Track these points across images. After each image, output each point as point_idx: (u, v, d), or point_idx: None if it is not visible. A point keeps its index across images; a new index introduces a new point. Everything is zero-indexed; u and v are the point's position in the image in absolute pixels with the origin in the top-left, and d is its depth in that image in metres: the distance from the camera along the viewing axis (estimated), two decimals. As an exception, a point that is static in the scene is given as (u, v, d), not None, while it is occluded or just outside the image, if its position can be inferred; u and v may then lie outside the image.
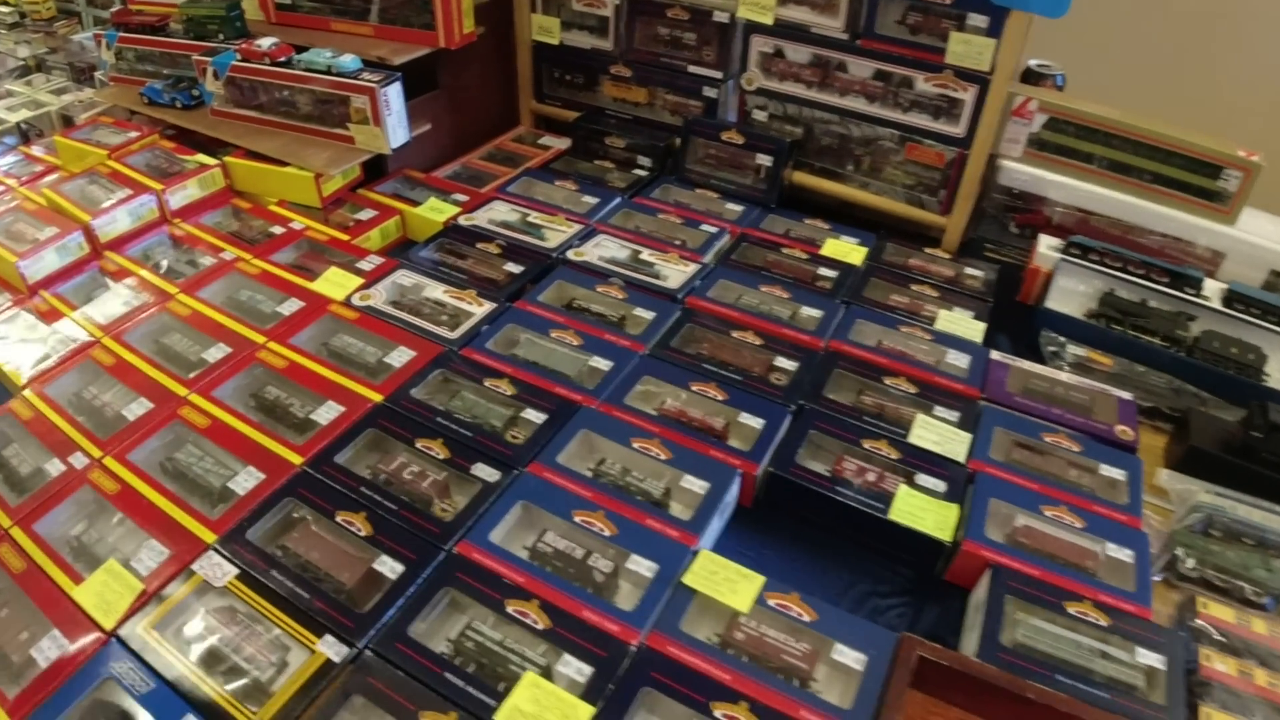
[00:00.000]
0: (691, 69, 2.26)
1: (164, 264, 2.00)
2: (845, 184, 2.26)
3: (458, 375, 1.67)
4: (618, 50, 2.40)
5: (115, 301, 1.88)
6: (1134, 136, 2.01)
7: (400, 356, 1.69)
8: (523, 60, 2.55)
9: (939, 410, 1.57)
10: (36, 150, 2.45)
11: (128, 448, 1.53)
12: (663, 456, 1.50)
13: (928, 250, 2.10)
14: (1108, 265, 1.97)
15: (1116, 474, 1.49)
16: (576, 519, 1.38)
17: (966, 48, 1.96)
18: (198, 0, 2.35)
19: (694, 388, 1.65)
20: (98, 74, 2.75)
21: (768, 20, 2.14)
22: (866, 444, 1.49)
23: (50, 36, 2.98)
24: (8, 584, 1.33)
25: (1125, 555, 1.36)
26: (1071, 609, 1.29)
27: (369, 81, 2.03)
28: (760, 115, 2.29)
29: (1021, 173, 2.13)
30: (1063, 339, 1.88)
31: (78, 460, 1.52)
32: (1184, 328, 1.85)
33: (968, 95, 2.02)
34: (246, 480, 1.45)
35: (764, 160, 2.22)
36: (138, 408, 1.61)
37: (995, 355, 1.71)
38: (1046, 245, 2.03)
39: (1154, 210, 2.03)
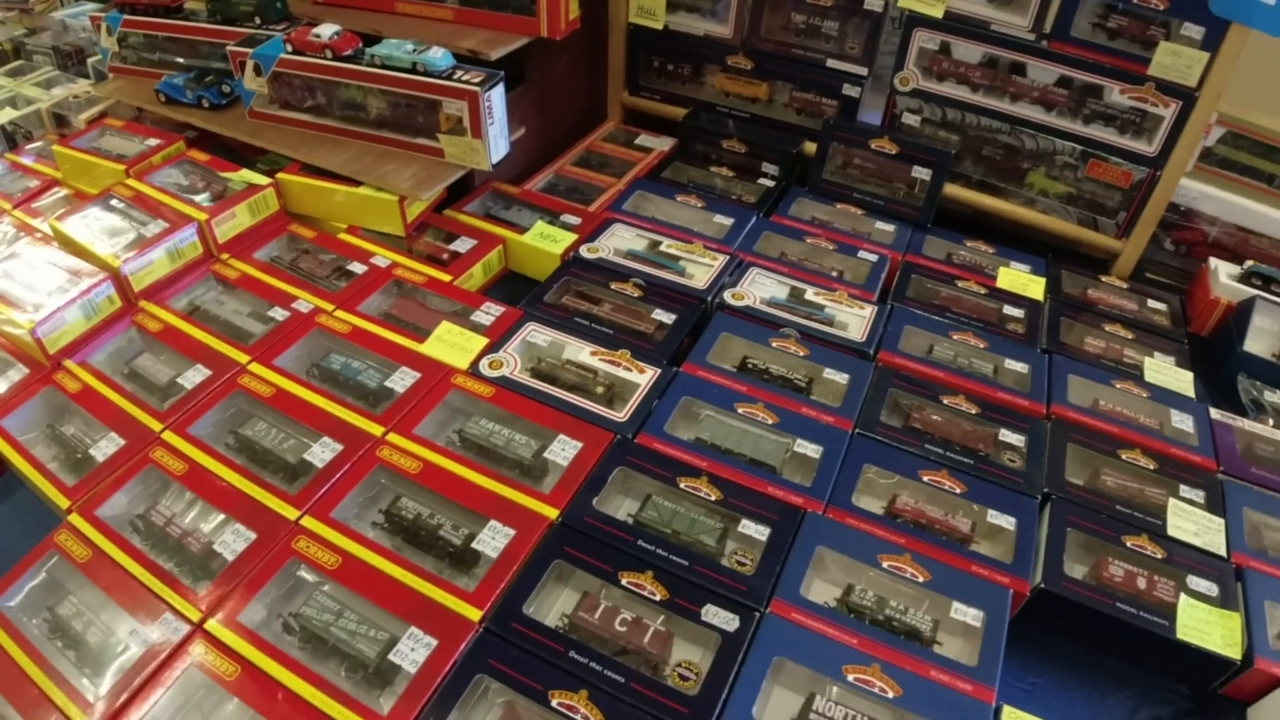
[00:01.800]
0: (830, 63, 1.90)
1: (218, 315, 1.58)
2: (1008, 200, 1.93)
3: (642, 474, 1.32)
4: (738, 38, 2.02)
5: (162, 372, 1.47)
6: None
7: (563, 450, 1.32)
8: (616, 46, 2.15)
9: (1184, 490, 1.39)
10: (26, 158, 1.98)
11: (238, 604, 1.15)
12: (920, 578, 1.23)
13: (1104, 279, 1.90)
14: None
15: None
16: (850, 676, 1.11)
17: (1175, 60, 1.69)
18: (227, -24, 1.89)
19: (925, 478, 1.36)
20: (91, 60, 2.25)
21: (937, 13, 1.79)
22: (1128, 541, 1.30)
23: (27, 15, 2.46)
24: None
25: None
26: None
27: (469, 84, 1.61)
28: (911, 119, 1.94)
29: (1190, 188, 1.89)
30: (1259, 384, 1.68)
31: (178, 627, 1.15)
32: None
33: (1168, 111, 1.74)
34: (412, 650, 1.07)
35: (921, 173, 1.87)
36: (234, 539, 1.23)
37: (1215, 414, 1.54)
38: (1226, 274, 1.83)
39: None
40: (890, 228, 1.92)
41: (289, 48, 1.75)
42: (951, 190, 1.93)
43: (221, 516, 1.27)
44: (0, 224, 1.80)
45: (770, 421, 1.40)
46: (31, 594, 1.21)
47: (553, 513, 1.25)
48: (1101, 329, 1.71)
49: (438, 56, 1.66)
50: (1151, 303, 1.83)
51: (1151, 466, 1.41)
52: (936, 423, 1.45)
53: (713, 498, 1.29)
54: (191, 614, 1.14)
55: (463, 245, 1.73)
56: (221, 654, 1.10)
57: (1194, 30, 1.65)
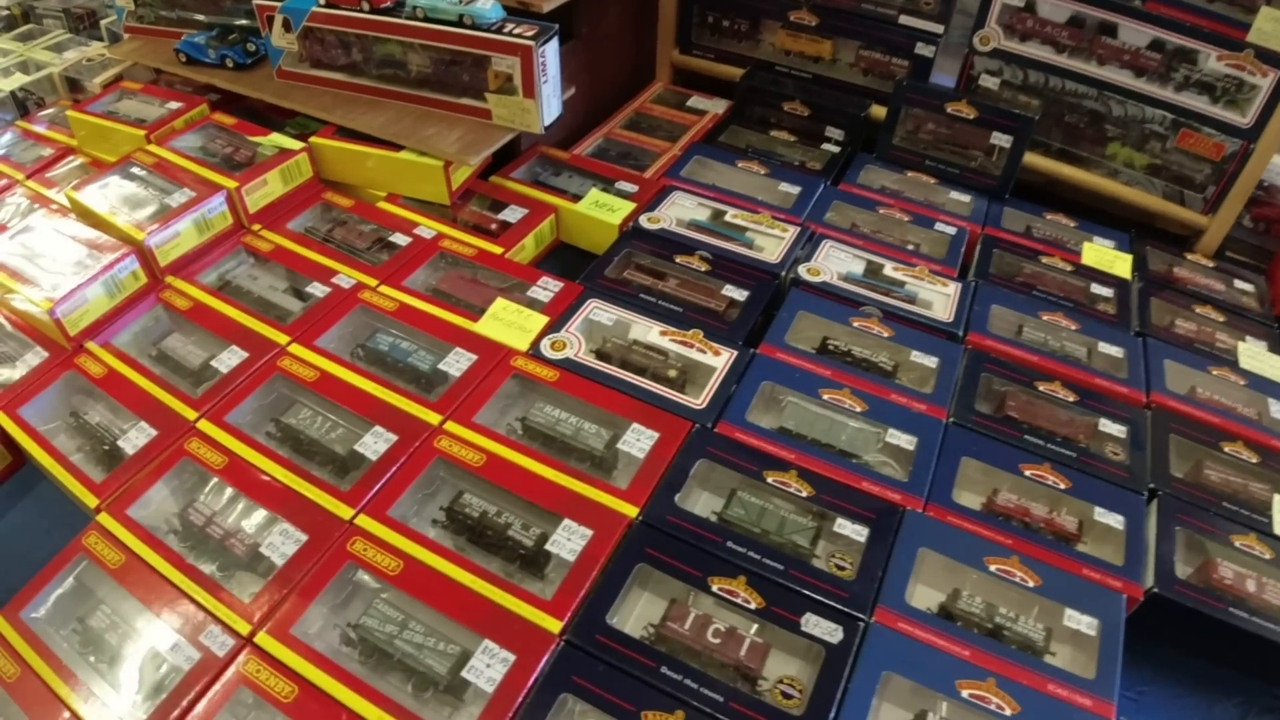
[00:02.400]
0: (903, 20, 1.76)
1: (252, 291, 1.45)
2: (1089, 170, 1.79)
3: (725, 466, 1.20)
4: (801, -8, 1.86)
5: (194, 354, 1.35)
6: None
7: (637, 440, 1.20)
8: (667, 1, 1.98)
9: None
10: (39, 125, 1.85)
11: (291, 614, 1.03)
12: (1030, 583, 1.12)
13: (1189, 257, 1.78)
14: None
15: None
16: (964, 692, 1.01)
17: (1277, 27, 1.56)
18: (251, -77, 1.74)
19: (1027, 472, 1.25)
20: (104, 22, 2.11)
21: (1025, -31, 1.63)
22: (1237, 541, 1.20)
23: None
24: None
25: None
26: None
27: (522, 38, 1.47)
28: (989, 82, 1.80)
29: (1273, 163, 1.74)
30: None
31: (225, 641, 1.03)
32: None
33: (1265, 81, 1.61)
34: (488, 666, 0.96)
35: (1000, 140, 1.73)
36: (282, 541, 1.11)
37: None
38: None
39: None
40: (965, 198, 1.79)
41: (321, 0, 1.60)
42: (1029, 159, 1.79)
43: (267, 515, 1.15)
44: (13, 196, 1.68)
45: (858, 409, 1.28)
46: (60, 604, 1.10)
47: (632, 510, 1.13)
48: (1191, 310, 1.61)
49: (487, 7, 1.52)
50: (1238, 283, 1.72)
51: (1254, 460, 1.31)
52: (1034, 411, 1.34)
53: (804, 493, 1.17)
54: (240, 626, 1.03)
55: (512, 214, 1.60)
56: (276, 671, 0.99)
57: (1300, -4, 1.50)
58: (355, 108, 1.65)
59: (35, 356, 1.38)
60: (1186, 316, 1.59)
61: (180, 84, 1.87)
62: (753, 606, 1.06)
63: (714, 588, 1.07)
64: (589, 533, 1.11)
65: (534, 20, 1.54)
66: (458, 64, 1.58)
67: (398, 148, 1.59)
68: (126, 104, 1.83)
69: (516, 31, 1.51)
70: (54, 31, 2.30)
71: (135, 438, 1.25)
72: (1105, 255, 1.69)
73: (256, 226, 1.56)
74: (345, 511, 1.14)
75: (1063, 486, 1.23)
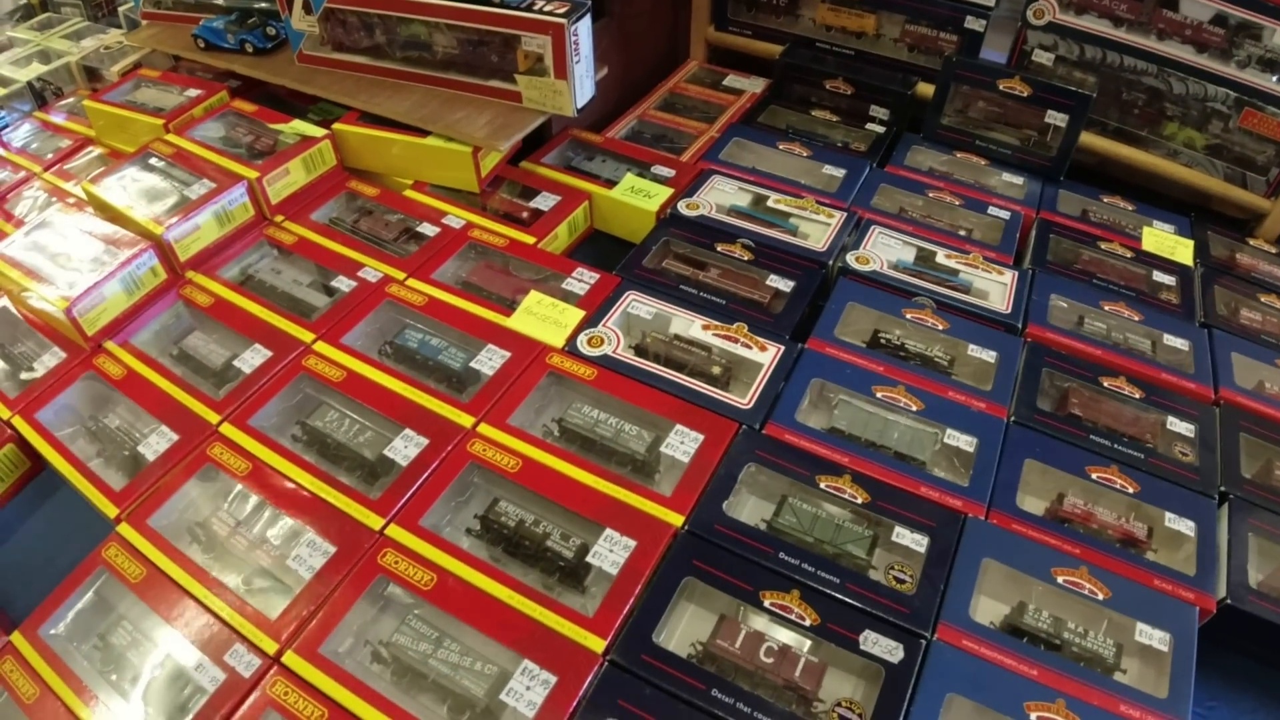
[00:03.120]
0: (952, -8, 1.65)
1: (275, 286, 1.39)
2: (1148, 150, 1.69)
3: (774, 470, 1.13)
4: (845, -36, 1.77)
5: (216, 353, 1.29)
6: None
7: (681, 443, 1.13)
8: (702, -25, 1.90)
9: None
10: (57, 116, 1.80)
11: (319, 632, 0.97)
12: (1099, 595, 1.05)
13: (1251, 242, 1.69)
14: None
15: None
16: (1033, 716, 0.95)
17: None
18: (267, -99, 1.67)
19: (1093, 475, 1.17)
20: (122, 9, 2.05)
21: (1084, -64, 1.54)
22: None
23: None
24: None
25: None
26: None
27: (553, 16, 1.40)
28: (1043, 58, 1.71)
29: None
30: None
31: (252, 661, 0.98)
32: None
33: (1333, 57, 1.48)
34: (527, 689, 0.89)
35: (1055, 118, 1.64)
36: (310, 553, 1.06)
37: None
38: None
39: None
40: (1018, 180, 1.70)
41: (343, -20, 1.53)
42: (1084, 138, 1.70)
43: (294, 525, 1.09)
44: (31, 189, 1.63)
45: (914, 408, 1.21)
46: (80, 619, 1.05)
47: (677, 519, 1.06)
48: (1256, 299, 1.53)
49: (515, -15, 1.44)
50: (1304, 269, 1.61)
51: (1325, 459, 1.21)
52: (1099, 409, 1.26)
53: (859, 500, 1.10)
54: (266, 644, 0.98)
55: (544, 202, 1.53)
56: (304, 693, 0.93)
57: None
58: (380, 92, 1.58)
59: (53, 358, 1.33)
60: (1251, 306, 1.51)
61: (200, 70, 1.81)
62: (807, 623, 0.99)
63: (766, 602, 1.01)
64: (632, 543, 1.04)
65: (564, -2, 1.46)
66: (485, 44, 1.50)
67: (424, 133, 1.53)
68: (145, 92, 1.77)
69: (547, 9, 1.43)
70: (72, 19, 2.25)
71: (156, 443, 1.20)
72: (1166, 241, 1.60)
73: (279, 218, 1.50)
74: (375, 521, 1.08)
75: (1131, 490, 1.16)
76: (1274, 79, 1.59)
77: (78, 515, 1.20)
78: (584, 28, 1.44)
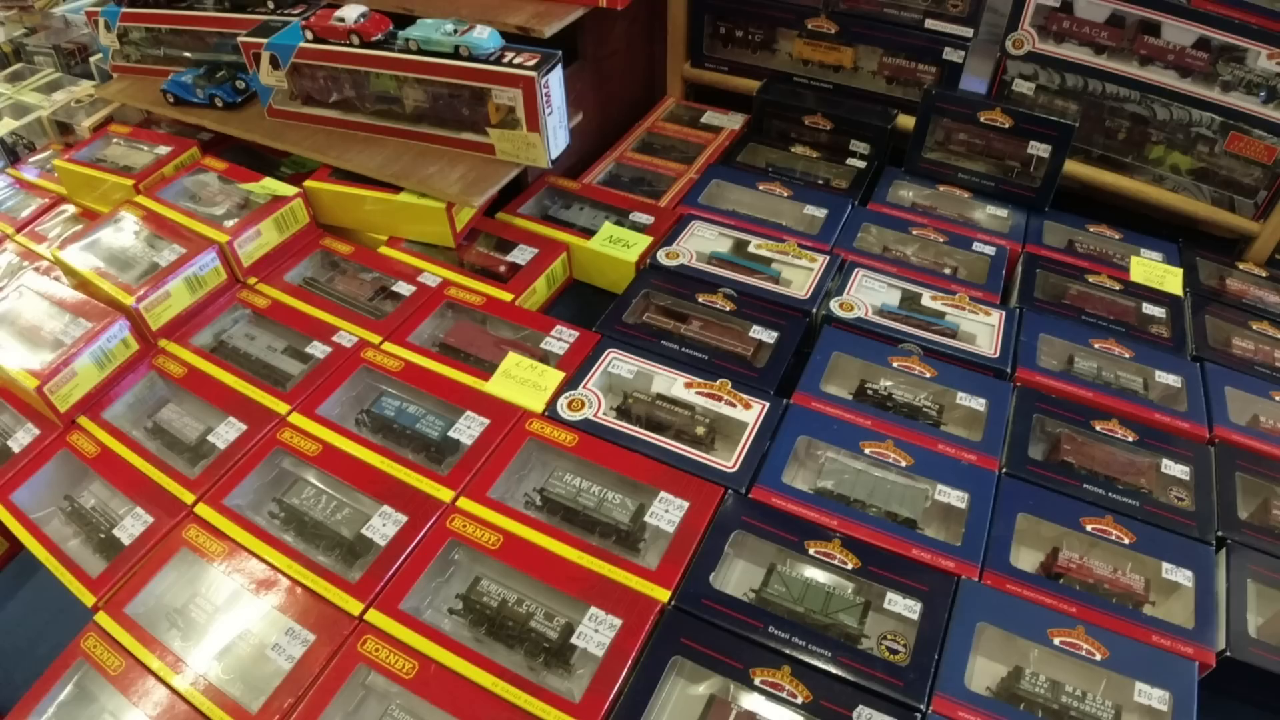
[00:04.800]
0: (929, 23, 1.64)
1: (249, 353, 1.38)
2: (1133, 177, 1.68)
3: (761, 537, 1.11)
4: (821, -2, 1.75)
5: (190, 426, 1.28)
6: None
7: (666, 511, 1.11)
8: (677, 13, 1.89)
9: None
10: (29, 173, 1.77)
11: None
12: (1097, 655, 1.02)
13: (1240, 266, 1.67)
14: None
15: None
16: None
17: None
18: (232, -46, 1.65)
19: (1088, 526, 1.15)
20: (93, 59, 2.02)
21: (1061, -34, 1.52)
22: None
23: (28, 13, 2.22)
24: None
25: None
26: None
27: (522, 69, 1.37)
28: (1023, 87, 1.69)
29: None
30: None
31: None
32: None
33: (1318, 78, 1.47)
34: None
35: (1038, 149, 1.62)
36: (290, 643, 1.04)
37: None
38: None
39: None
40: (1003, 212, 1.68)
41: (309, 35, 1.51)
42: (1068, 166, 1.68)
43: (273, 612, 1.06)
44: (3, 252, 1.59)
45: (904, 464, 1.18)
46: (61, 712, 1.02)
47: (663, 594, 1.04)
48: (1248, 327, 1.51)
49: (484, 37, 1.42)
50: (1295, 294, 1.59)
51: (1323, 495, 1.20)
52: (1092, 455, 1.24)
53: (849, 565, 1.07)
54: (246, 745, 0.93)
55: (521, 255, 1.51)
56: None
57: (1351, -17, 1.38)
58: (351, 147, 1.56)
59: (26, 434, 1.31)
60: (1243, 335, 1.49)
61: (170, 124, 1.78)
62: (800, 701, 0.97)
63: (757, 680, 0.98)
64: (618, 622, 1.02)
65: (535, 47, 1.44)
66: (456, 97, 1.48)
67: (397, 189, 1.49)
68: (115, 149, 1.75)
69: (517, 61, 1.41)
70: (45, 70, 2.22)
71: (132, 525, 1.18)
72: (1155, 270, 1.58)
73: (252, 280, 1.48)
74: (355, 606, 1.05)
75: (1127, 541, 1.14)
76: (1259, 101, 1.56)
77: (57, 598, 1.17)
78: (555, 79, 1.41)
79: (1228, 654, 1.02)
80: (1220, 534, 1.15)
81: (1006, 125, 1.64)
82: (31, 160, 1.88)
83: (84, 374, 1.31)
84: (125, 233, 1.51)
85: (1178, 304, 1.52)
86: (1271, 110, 1.56)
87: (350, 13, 1.49)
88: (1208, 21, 1.52)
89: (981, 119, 1.65)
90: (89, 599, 1.11)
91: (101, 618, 1.08)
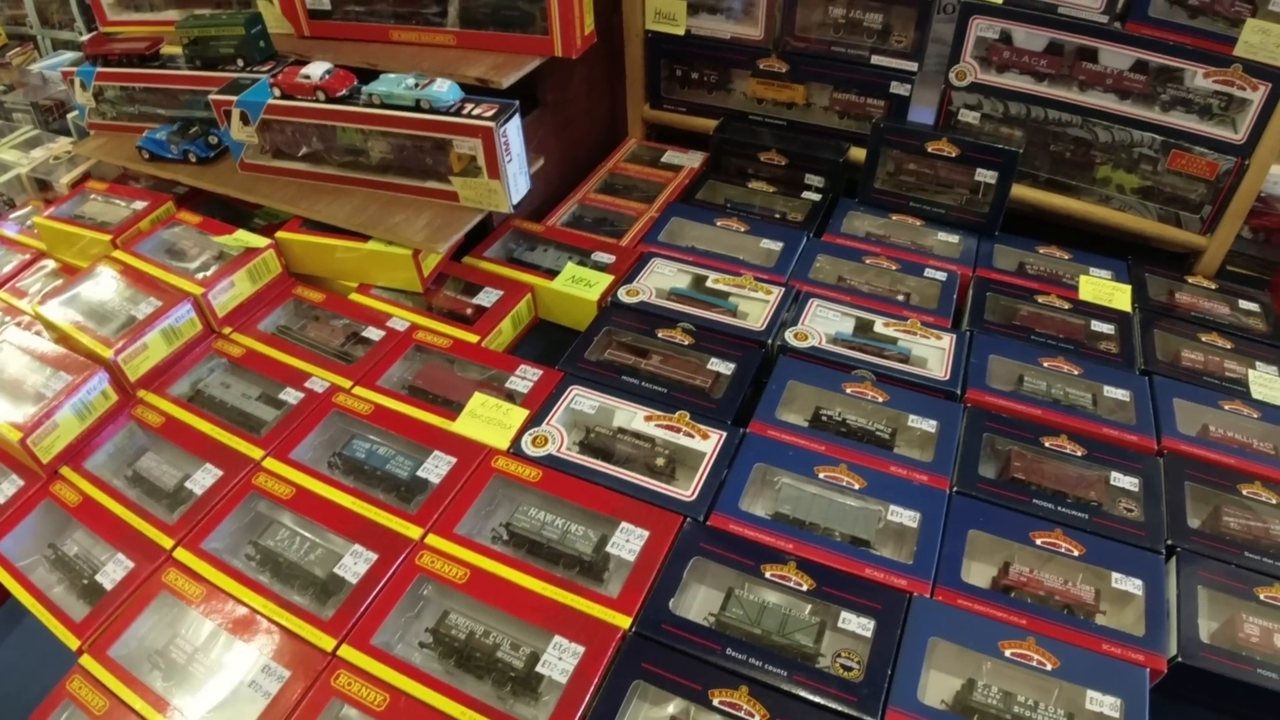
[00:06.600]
0: (875, 59, 1.71)
1: (225, 401, 1.42)
2: (1080, 199, 1.75)
3: (719, 562, 1.15)
4: (769, 38, 1.83)
5: (169, 474, 1.32)
6: None
7: (627, 541, 1.16)
8: (634, 57, 1.96)
9: None
10: (9, 229, 1.83)
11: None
12: (1048, 665, 1.06)
13: (1189, 280, 1.72)
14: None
15: None
16: None
17: (1264, 38, 1.51)
18: (202, 15, 1.71)
19: (1038, 540, 1.19)
20: (70, 116, 2.08)
21: (997, -1, 1.59)
22: (1262, 593, 1.14)
23: (5, 70, 2.28)
24: None
25: None
26: None
27: (481, 119, 1.43)
28: (969, 117, 1.75)
29: (1270, 173, 1.67)
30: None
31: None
32: None
33: (1256, 95, 1.55)
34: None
35: (985, 176, 1.68)
36: (266, 679, 1.08)
37: None
38: None
39: None
40: (954, 238, 1.74)
41: (276, 92, 1.57)
42: (1017, 190, 1.74)
43: (250, 649, 1.11)
44: (-10, 312, 1.64)
45: (857, 486, 1.23)
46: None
47: (624, 621, 1.08)
48: (1197, 339, 1.55)
49: (443, 90, 1.48)
50: (1243, 303, 1.66)
51: (1274, 501, 1.25)
52: (1041, 471, 1.28)
53: (805, 587, 1.12)
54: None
55: (487, 297, 1.56)
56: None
57: (1287, 4, 1.45)
58: (320, 197, 1.61)
59: (11, 485, 1.35)
60: (1192, 347, 1.54)
61: (147, 180, 1.83)
62: (757, 719, 1.00)
63: (715, 701, 1.02)
64: (581, 649, 1.06)
65: (494, 98, 1.50)
66: (420, 148, 1.54)
67: (365, 238, 1.55)
68: (92, 206, 1.80)
69: (476, 112, 1.47)
70: (23, 127, 2.27)
71: (113, 571, 1.22)
72: (1104, 288, 1.64)
73: (227, 330, 1.52)
74: (327, 643, 1.09)
75: (1076, 554, 1.18)
76: (1198, 120, 1.62)
77: (44, 643, 1.20)
78: (513, 128, 1.47)
79: (1179, 660, 1.06)
80: (1170, 543, 1.19)
81: (953, 154, 1.70)
82: (12, 217, 1.93)
83: (65, 425, 1.35)
84: (103, 287, 1.56)
85: (1126, 320, 1.57)
86: (1211, 127, 1.62)
87: (316, 70, 1.55)
88: (1143, 45, 1.59)
89: (929, 149, 1.71)
90: (74, 643, 1.14)
91: (86, 661, 1.12)
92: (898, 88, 1.77)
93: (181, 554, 1.22)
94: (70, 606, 1.20)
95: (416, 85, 1.50)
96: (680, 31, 1.89)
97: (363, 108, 1.52)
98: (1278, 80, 1.52)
